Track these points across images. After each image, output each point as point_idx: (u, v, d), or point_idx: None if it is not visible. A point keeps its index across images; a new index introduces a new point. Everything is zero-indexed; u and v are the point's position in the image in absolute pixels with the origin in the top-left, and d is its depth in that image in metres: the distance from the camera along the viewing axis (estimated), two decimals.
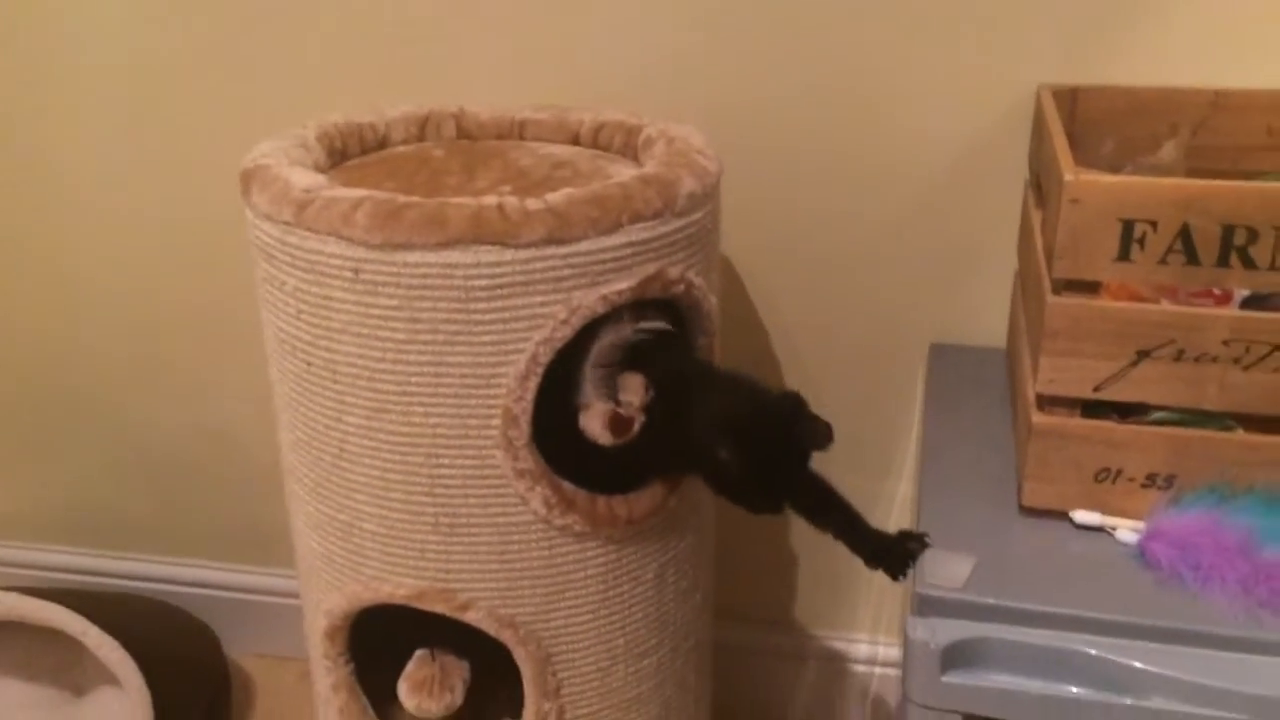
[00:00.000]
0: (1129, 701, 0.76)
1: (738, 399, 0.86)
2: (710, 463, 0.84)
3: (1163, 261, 0.79)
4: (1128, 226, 0.78)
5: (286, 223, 0.83)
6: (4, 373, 1.47)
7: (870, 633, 1.36)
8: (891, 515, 1.29)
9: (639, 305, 0.86)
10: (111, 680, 1.30)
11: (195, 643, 1.43)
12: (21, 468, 1.53)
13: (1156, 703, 0.76)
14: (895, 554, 0.86)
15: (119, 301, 1.39)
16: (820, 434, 0.83)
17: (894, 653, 1.34)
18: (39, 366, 1.46)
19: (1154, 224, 0.78)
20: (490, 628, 0.91)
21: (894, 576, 0.86)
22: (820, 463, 1.26)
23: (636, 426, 0.84)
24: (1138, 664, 0.76)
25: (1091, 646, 0.77)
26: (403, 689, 0.97)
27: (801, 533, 1.33)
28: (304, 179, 0.86)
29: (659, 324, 0.87)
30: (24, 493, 1.55)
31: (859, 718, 1.40)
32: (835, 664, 1.37)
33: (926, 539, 0.85)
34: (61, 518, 1.55)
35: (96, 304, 1.40)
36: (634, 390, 0.84)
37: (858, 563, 1.31)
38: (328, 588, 0.96)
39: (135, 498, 1.51)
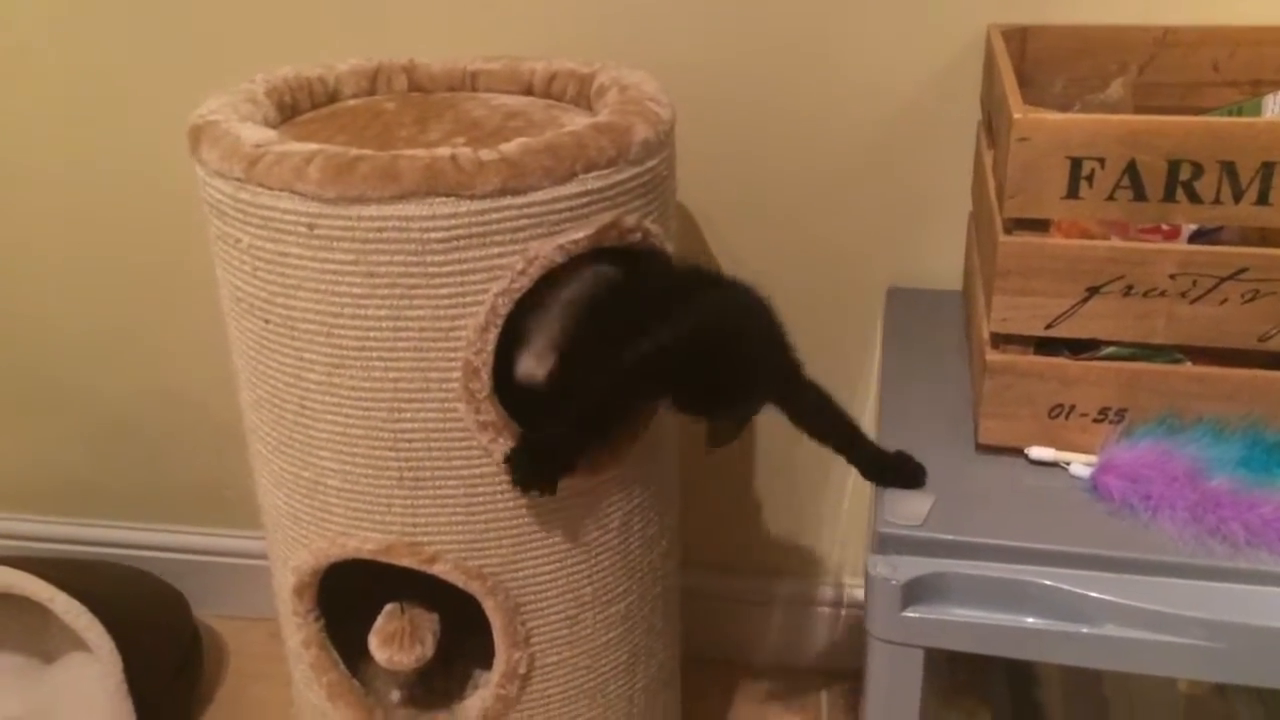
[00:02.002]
0: (1084, 630, 0.78)
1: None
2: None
3: (1110, 198, 0.80)
4: (1076, 164, 0.79)
5: (238, 179, 0.82)
6: None
7: (835, 575, 1.38)
8: None
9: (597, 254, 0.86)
10: (80, 645, 1.30)
11: (163, 606, 1.43)
12: None
13: (1110, 630, 0.77)
14: (902, 471, 0.87)
15: (70, 265, 1.37)
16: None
17: (858, 594, 1.36)
18: None
19: (1101, 161, 0.78)
20: (458, 580, 0.91)
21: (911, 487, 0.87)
22: None
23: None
24: (1092, 593, 0.77)
25: (1047, 578, 0.78)
26: (373, 642, 0.98)
27: (765, 479, 1.34)
28: (254, 134, 0.85)
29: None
30: None
31: (826, 659, 1.42)
32: (801, 606, 1.39)
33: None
34: (21, 485, 1.53)
35: (48, 268, 1.38)
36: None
37: (821, 507, 1.34)
38: (294, 545, 0.96)
39: (95, 463, 1.50)
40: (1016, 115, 0.79)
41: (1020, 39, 1.03)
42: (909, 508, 0.83)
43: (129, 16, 1.22)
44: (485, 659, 0.98)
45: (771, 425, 1.29)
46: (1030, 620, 0.79)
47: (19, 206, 1.35)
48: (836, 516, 1.35)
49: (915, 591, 0.80)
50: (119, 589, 1.41)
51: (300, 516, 0.94)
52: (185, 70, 1.22)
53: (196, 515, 1.51)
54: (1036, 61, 1.03)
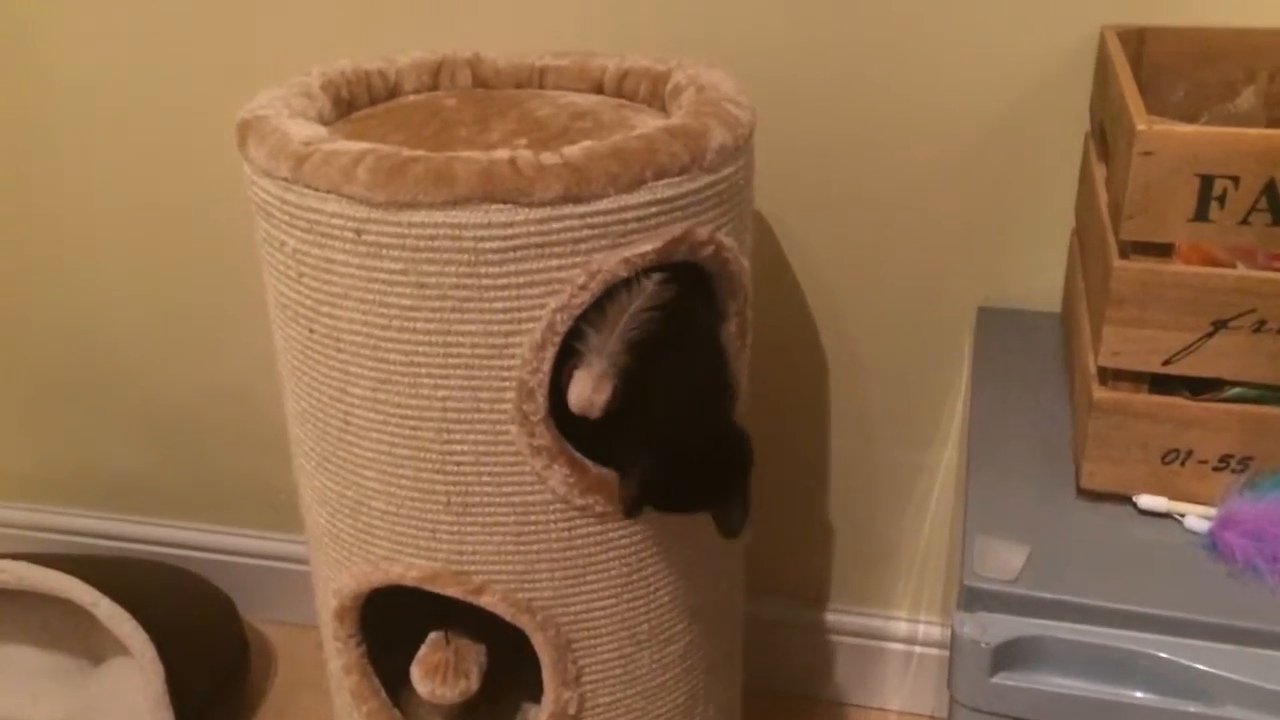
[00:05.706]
0: (1198, 709, 0.71)
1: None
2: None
3: (1244, 221, 0.72)
4: (1206, 182, 0.71)
5: (284, 179, 0.78)
6: (11, 335, 1.45)
7: (910, 610, 1.31)
8: (935, 489, 1.24)
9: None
10: (126, 648, 1.28)
11: (211, 610, 1.42)
12: (33, 430, 1.51)
13: (1229, 710, 0.71)
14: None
15: (131, 265, 1.36)
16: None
17: (935, 631, 1.30)
18: (47, 328, 1.43)
19: (1236, 180, 0.71)
20: (506, 612, 0.86)
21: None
22: (861, 434, 1.22)
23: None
24: (1208, 667, 0.71)
25: (1157, 647, 0.72)
26: (416, 674, 0.93)
27: (837, 506, 1.28)
28: (303, 131, 0.80)
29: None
30: (36, 455, 1.53)
31: (898, 698, 1.35)
32: (873, 642, 1.33)
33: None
34: (75, 481, 1.53)
35: (109, 268, 1.37)
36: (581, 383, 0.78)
37: (896, 537, 1.27)
38: (336, 566, 0.92)
39: (149, 462, 1.49)
40: (1140, 126, 0.71)
41: (1137, 42, 0.95)
42: (1001, 560, 0.76)
43: (192, 10, 1.19)
44: (534, 691, 0.93)
45: (847, 447, 1.24)
46: (1138, 694, 0.73)
47: (83, 205, 1.34)
48: (915, 546, 1.28)
49: (1007, 655, 0.73)
50: (165, 592, 1.40)
51: (342, 537, 0.89)
52: (249, 64, 1.19)
53: (249, 517, 1.49)
54: (1155, 67, 0.96)
